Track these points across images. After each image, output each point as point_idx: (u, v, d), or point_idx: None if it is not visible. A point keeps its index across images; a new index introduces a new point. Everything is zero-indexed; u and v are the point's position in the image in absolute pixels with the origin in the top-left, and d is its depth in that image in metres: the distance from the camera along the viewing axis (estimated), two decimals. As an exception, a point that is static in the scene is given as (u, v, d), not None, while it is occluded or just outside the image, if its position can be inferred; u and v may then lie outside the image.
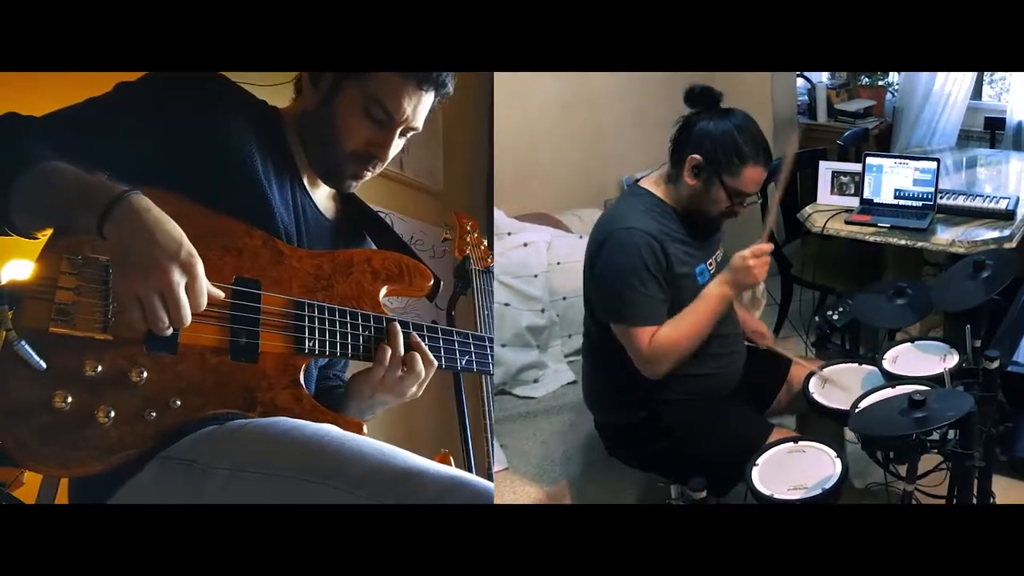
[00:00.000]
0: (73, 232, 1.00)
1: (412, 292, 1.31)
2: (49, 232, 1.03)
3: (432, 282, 1.32)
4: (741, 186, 1.55)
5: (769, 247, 1.53)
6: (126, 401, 0.98)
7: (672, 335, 1.55)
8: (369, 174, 1.28)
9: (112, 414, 0.95)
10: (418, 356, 1.22)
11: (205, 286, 0.99)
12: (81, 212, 0.96)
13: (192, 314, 0.98)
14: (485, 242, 1.81)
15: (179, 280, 0.95)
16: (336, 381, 1.39)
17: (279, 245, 1.18)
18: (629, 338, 1.57)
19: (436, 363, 1.25)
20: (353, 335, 1.18)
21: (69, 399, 0.94)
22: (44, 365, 0.93)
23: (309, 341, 1.13)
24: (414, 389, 1.24)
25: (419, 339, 1.24)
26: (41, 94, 1.13)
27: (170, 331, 0.97)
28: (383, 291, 1.26)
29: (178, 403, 1.01)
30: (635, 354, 1.58)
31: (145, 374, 0.99)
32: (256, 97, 1.26)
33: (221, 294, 1.04)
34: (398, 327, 1.22)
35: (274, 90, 1.32)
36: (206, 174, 1.12)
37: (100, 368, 0.97)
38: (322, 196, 1.33)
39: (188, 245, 0.97)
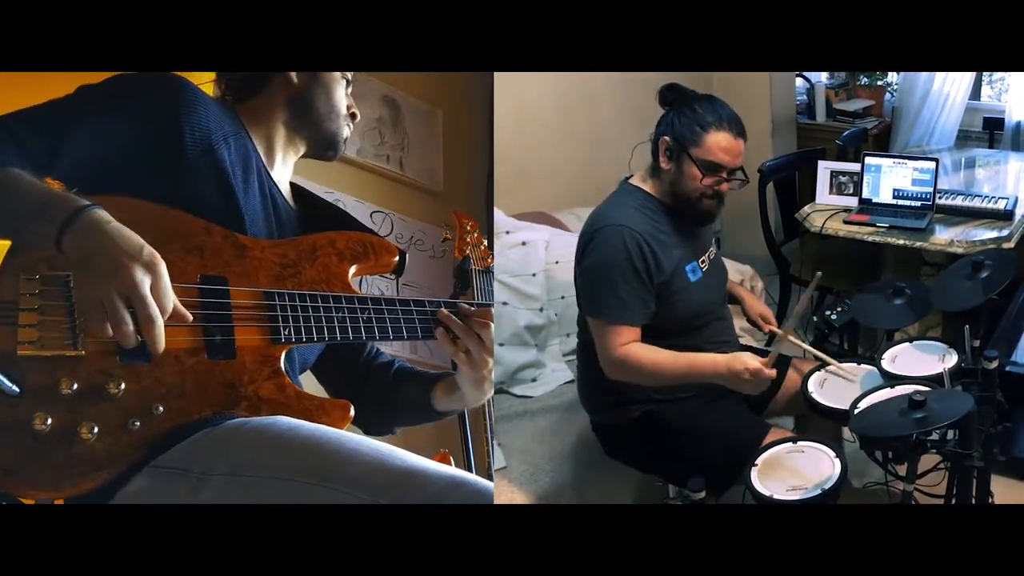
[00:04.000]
0: (27, 244, 0.99)
1: (379, 269, 1.31)
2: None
3: (398, 257, 1.33)
4: (709, 155, 1.56)
5: (772, 375, 1.48)
6: (107, 414, 0.96)
7: (645, 357, 1.54)
8: (348, 132, 1.38)
9: (96, 429, 0.94)
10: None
11: (170, 288, 0.98)
12: (39, 223, 0.96)
13: (161, 315, 0.96)
14: (485, 242, 1.81)
15: (143, 279, 0.95)
16: (388, 359, 1.42)
17: (240, 239, 1.17)
18: (601, 332, 1.58)
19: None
20: (327, 318, 1.18)
21: (49, 420, 0.92)
22: (18, 390, 0.92)
23: (284, 330, 1.13)
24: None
25: (448, 314, 1.27)
26: (21, 93, 1.12)
27: (137, 340, 0.96)
28: (351, 271, 1.26)
29: (160, 409, 1.00)
30: (602, 350, 1.58)
31: (123, 385, 0.98)
32: (212, 97, 1.27)
33: (187, 315, 1.03)
34: (448, 314, 1.26)
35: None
36: (171, 172, 1.12)
37: (76, 385, 0.95)
38: (286, 188, 1.35)
39: (149, 248, 0.98)
